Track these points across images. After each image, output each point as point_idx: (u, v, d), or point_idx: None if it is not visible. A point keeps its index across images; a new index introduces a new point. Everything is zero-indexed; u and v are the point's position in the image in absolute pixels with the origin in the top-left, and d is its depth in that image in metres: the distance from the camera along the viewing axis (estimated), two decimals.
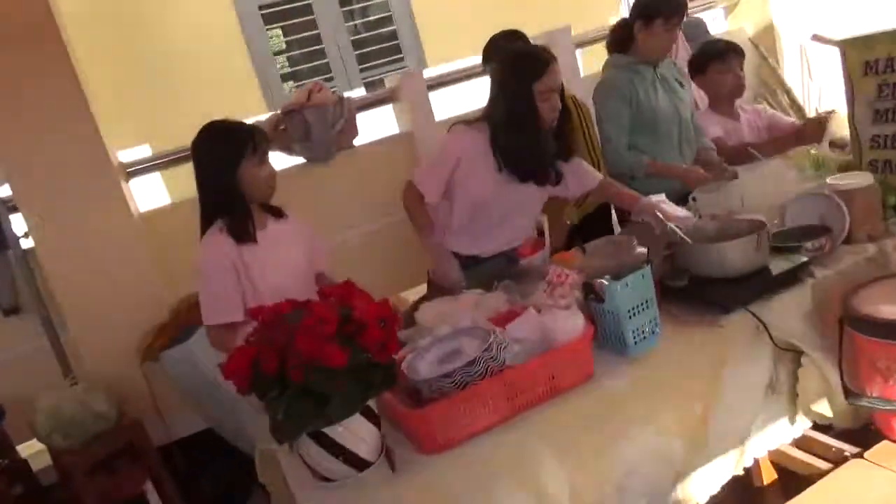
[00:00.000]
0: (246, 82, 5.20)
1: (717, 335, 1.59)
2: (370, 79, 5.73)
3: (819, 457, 1.67)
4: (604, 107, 2.54)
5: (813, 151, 2.14)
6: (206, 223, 1.94)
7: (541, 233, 2.58)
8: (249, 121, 3.12)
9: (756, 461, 1.67)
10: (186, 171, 3.10)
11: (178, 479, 2.66)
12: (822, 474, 1.62)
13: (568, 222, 2.58)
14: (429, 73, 3.49)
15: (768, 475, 1.76)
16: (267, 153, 1.94)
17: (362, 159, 3.25)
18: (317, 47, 5.53)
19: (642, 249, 1.70)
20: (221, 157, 1.90)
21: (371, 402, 1.36)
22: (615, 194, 2.25)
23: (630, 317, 1.54)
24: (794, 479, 1.72)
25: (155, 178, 3.49)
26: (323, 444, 1.32)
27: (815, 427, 1.72)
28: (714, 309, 1.65)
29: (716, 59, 2.81)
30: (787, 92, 3.88)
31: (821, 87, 4.11)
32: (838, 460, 1.62)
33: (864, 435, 1.77)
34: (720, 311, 1.63)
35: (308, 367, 1.21)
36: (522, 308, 1.67)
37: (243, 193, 1.90)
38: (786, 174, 2.10)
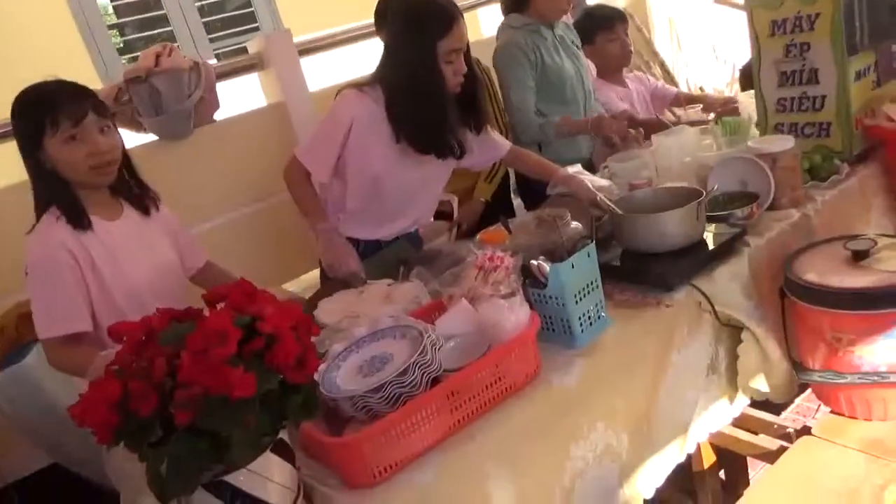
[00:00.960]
0: (74, 53, 4.49)
1: (664, 315, 1.45)
2: (221, 50, 5.19)
3: (759, 434, 1.60)
4: (508, 71, 2.35)
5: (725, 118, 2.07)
6: (39, 212, 1.53)
7: (448, 214, 2.37)
8: None
9: (697, 445, 1.57)
10: (5, 152, 2.55)
11: None
12: (766, 452, 1.55)
13: (482, 200, 2.37)
14: (298, 38, 3.11)
15: (708, 458, 1.67)
16: (80, 124, 1.48)
17: (226, 135, 2.82)
18: (156, 13, 4.91)
19: (577, 224, 1.52)
20: (21, 135, 1.52)
21: (282, 433, 1.07)
22: (532, 164, 2.04)
23: (577, 301, 1.35)
24: (733, 458, 1.64)
25: None
26: (222, 497, 1.00)
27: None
28: (655, 287, 1.50)
29: (604, 27, 2.73)
30: (661, 64, 3.92)
31: (688, 59, 4.22)
32: (782, 436, 1.55)
33: (781, 406, 1.74)
34: (662, 288, 1.49)
35: (204, 402, 0.90)
36: (450, 299, 1.43)
37: (62, 177, 1.51)
38: (701, 140, 2.01)
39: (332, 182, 1.93)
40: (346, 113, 1.83)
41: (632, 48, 2.83)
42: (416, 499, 1.11)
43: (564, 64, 2.40)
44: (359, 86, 1.87)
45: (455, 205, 2.31)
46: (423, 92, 1.76)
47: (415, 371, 1.15)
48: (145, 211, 1.67)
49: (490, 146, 2.02)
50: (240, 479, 1.00)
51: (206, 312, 1.06)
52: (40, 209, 1.54)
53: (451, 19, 1.73)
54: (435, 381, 1.20)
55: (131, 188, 1.67)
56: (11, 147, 1.60)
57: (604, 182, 1.81)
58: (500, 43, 2.41)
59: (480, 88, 1.90)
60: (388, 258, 1.93)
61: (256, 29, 5.26)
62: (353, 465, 1.10)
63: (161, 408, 0.92)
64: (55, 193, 1.52)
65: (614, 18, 2.77)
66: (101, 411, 0.90)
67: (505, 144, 2.05)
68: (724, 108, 2.43)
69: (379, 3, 2.34)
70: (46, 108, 1.46)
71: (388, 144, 1.84)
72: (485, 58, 2.49)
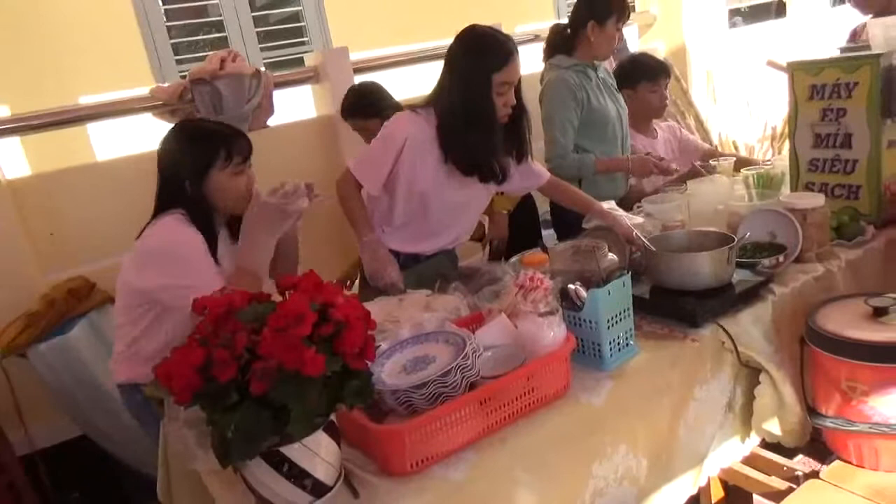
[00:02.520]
0: (131, 50, 4.68)
1: (689, 350, 1.53)
2: (270, 60, 5.38)
3: (768, 474, 1.66)
4: (554, 108, 2.46)
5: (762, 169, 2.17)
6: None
7: (480, 234, 2.47)
8: (143, 91, 2.78)
9: (707, 479, 1.64)
10: (53, 137, 2.70)
11: (42, 495, 2.27)
12: (775, 492, 1.62)
13: (504, 212, 2.47)
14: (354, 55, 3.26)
15: (716, 493, 1.74)
16: (247, 161, 1.75)
17: (278, 141, 2.96)
18: (213, 18, 5.10)
19: (613, 256, 1.62)
20: (188, 162, 1.69)
21: (332, 415, 1.16)
22: (570, 195, 2.15)
23: (609, 327, 1.44)
24: (742, 496, 1.70)
25: (13, 142, 3.00)
26: (275, 465, 1.10)
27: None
28: (683, 322, 1.59)
29: (648, 77, 2.81)
30: (696, 115, 4.03)
31: (722, 112, 4.33)
32: (790, 479, 1.62)
33: (792, 452, 1.80)
34: (689, 324, 1.58)
35: (277, 376, 0.99)
36: (489, 312, 1.52)
37: (211, 201, 1.71)
38: (734, 189, 2.11)
39: (381, 196, 2.04)
40: (400, 131, 1.95)
41: (668, 102, 2.93)
42: (448, 492, 1.19)
43: (608, 105, 2.52)
44: (413, 107, 2.00)
45: (486, 224, 2.41)
46: (475, 118, 1.88)
47: (456, 373, 1.25)
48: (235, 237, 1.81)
49: (530, 174, 2.14)
50: (293, 450, 1.09)
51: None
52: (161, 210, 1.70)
53: (508, 55, 1.86)
54: (472, 387, 1.29)
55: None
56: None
57: (638, 219, 1.91)
58: (549, 80, 2.53)
59: (526, 120, 2.02)
60: (426, 272, 2.03)
61: (305, 42, 5.46)
62: (394, 453, 1.19)
63: (237, 377, 1.02)
64: (199, 215, 1.69)
65: (660, 71, 2.85)
66: (185, 373, 1.00)
67: (545, 174, 2.16)
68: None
69: None
70: (221, 142, 1.67)
71: (437, 164, 1.95)
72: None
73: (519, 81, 1.93)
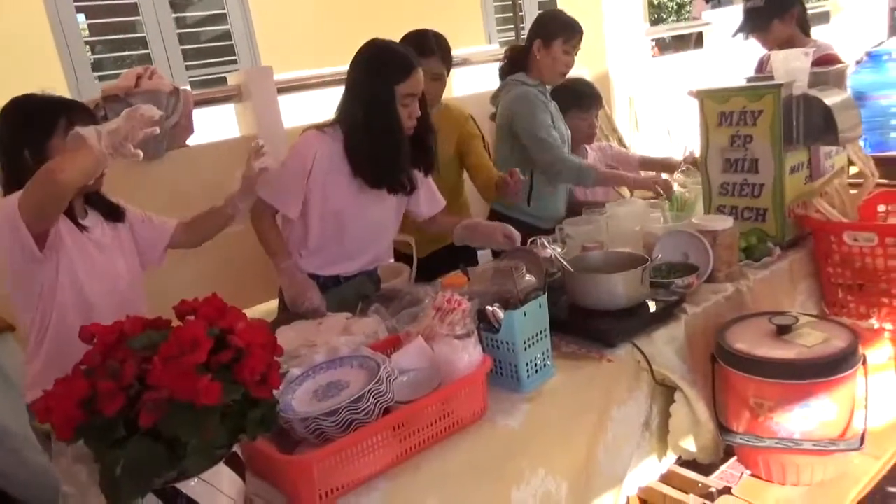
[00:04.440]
0: (45, 64, 4.49)
1: (605, 370, 1.55)
2: (197, 78, 5.26)
3: (685, 491, 1.69)
4: (533, 114, 2.45)
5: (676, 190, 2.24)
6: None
7: (408, 256, 2.45)
8: None
9: (626, 499, 1.65)
10: None
11: None
12: None
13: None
14: (278, 75, 3.20)
15: None
16: None
17: (198, 161, 2.86)
18: (135, 35, 4.97)
19: (531, 277, 1.62)
20: (28, 133, 1.57)
21: (235, 447, 1.10)
22: (452, 222, 2.13)
23: (525, 348, 1.44)
24: None
25: None
26: (169, 501, 1.03)
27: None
28: (599, 342, 1.60)
29: (579, 105, 2.85)
30: (619, 139, 4.16)
31: (644, 138, 4.48)
32: (705, 495, 1.65)
33: (708, 468, 1.84)
34: (605, 344, 1.59)
35: (169, 406, 0.94)
36: (407, 335, 1.50)
37: None
38: (650, 212, 2.16)
39: (296, 220, 2.00)
40: (307, 151, 1.93)
41: (597, 130, 3.00)
42: None
43: (563, 126, 2.56)
44: (320, 126, 1.98)
45: (414, 246, 2.39)
46: (380, 130, 1.88)
47: (369, 399, 1.21)
48: (114, 215, 1.74)
49: (432, 196, 2.16)
50: (191, 486, 1.03)
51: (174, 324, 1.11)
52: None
53: (409, 67, 1.88)
54: (386, 412, 1.26)
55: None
56: None
57: (549, 252, 1.88)
58: (518, 92, 2.52)
59: (431, 133, 2.04)
60: (347, 293, 2.00)
61: (234, 62, 5.37)
62: (302, 485, 1.14)
63: (125, 410, 0.96)
64: None
65: (592, 100, 2.90)
66: (65, 407, 0.93)
67: (442, 202, 2.20)
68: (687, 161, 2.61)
69: None
70: (61, 112, 1.57)
71: (348, 180, 1.94)
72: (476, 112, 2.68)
73: (423, 97, 1.95)
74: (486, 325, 1.46)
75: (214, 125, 3.20)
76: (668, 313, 1.71)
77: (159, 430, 0.97)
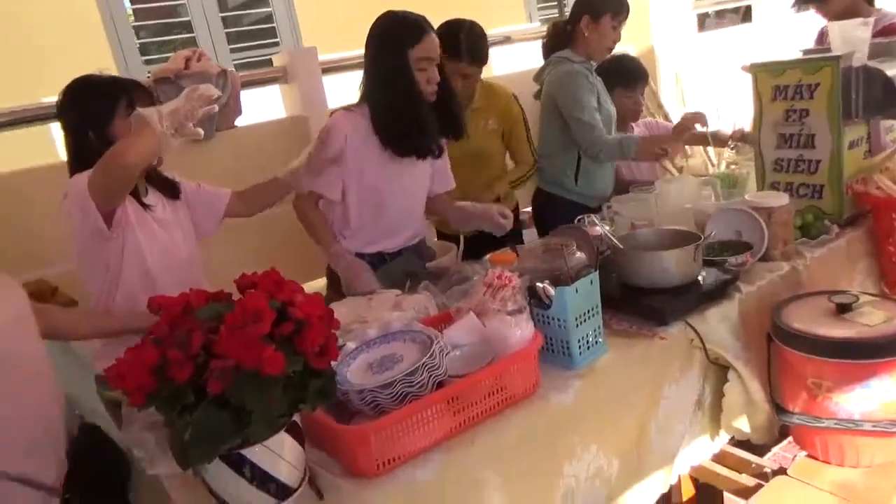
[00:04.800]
0: (96, 51, 4.60)
1: (657, 348, 1.53)
2: (241, 61, 5.32)
3: (738, 471, 1.67)
4: (576, 93, 2.42)
5: (724, 169, 2.19)
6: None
7: (454, 235, 2.45)
8: None
9: (678, 477, 1.64)
10: (11, 138, 2.64)
11: None
12: (744, 489, 1.63)
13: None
14: (322, 56, 3.22)
15: (687, 491, 1.74)
16: None
17: (246, 142, 2.91)
18: (179, 20, 5.04)
19: (582, 255, 1.61)
20: (91, 115, 1.62)
21: (295, 416, 1.13)
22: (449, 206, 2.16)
23: (577, 325, 1.43)
24: (712, 494, 1.71)
25: None
26: (236, 468, 1.06)
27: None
28: (651, 320, 1.59)
29: (624, 84, 2.80)
30: (665, 116, 4.07)
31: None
32: (759, 475, 1.62)
33: (762, 449, 1.81)
34: (658, 322, 1.58)
35: (235, 375, 0.96)
36: (457, 311, 1.51)
37: None
38: (701, 189, 2.12)
39: (335, 203, 2.03)
40: (339, 131, 1.95)
41: (642, 107, 2.95)
42: (415, 494, 1.17)
43: (609, 106, 2.53)
44: (346, 107, 2.01)
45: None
46: (400, 97, 1.90)
47: (423, 373, 1.23)
48: (172, 192, 1.79)
49: (445, 175, 2.20)
50: (255, 452, 1.06)
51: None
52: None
53: (421, 31, 1.89)
54: (439, 386, 1.27)
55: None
56: None
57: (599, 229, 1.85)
58: (563, 70, 2.48)
59: (454, 98, 2.04)
60: (395, 271, 2.01)
61: (276, 44, 5.41)
62: (360, 454, 1.17)
63: (194, 378, 0.99)
64: None
65: (637, 77, 2.84)
66: (138, 374, 0.96)
67: (452, 182, 2.22)
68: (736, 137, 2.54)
69: None
70: (122, 91, 1.62)
71: (379, 154, 1.97)
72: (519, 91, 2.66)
73: (443, 65, 1.96)
74: (536, 302, 1.46)
75: (260, 106, 3.24)
76: (721, 292, 1.68)
77: (226, 398, 1.00)
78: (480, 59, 2.41)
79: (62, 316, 1.57)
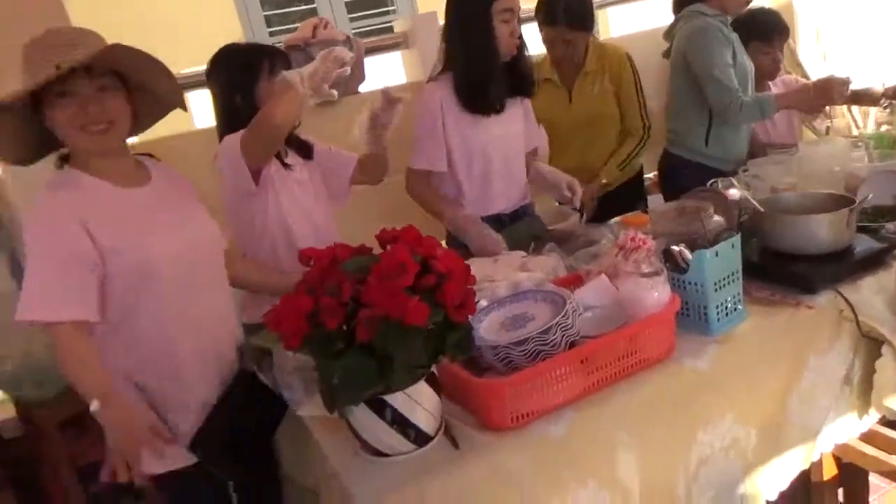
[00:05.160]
0: (227, 23, 4.85)
1: (802, 317, 1.44)
2: (360, 29, 5.43)
3: (887, 452, 1.56)
4: (711, 49, 2.28)
5: (872, 130, 2.00)
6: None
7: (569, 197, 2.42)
8: None
9: (820, 455, 1.55)
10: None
11: None
12: (892, 471, 1.52)
13: (603, 181, 2.40)
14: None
15: (829, 470, 1.65)
16: None
17: (369, 107, 2.97)
18: None
19: (719, 218, 1.54)
20: (237, 79, 1.71)
21: (433, 367, 1.17)
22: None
23: (716, 290, 1.38)
24: (856, 474, 1.61)
25: None
26: (378, 413, 1.12)
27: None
28: (796, 288, 1.50)
29: (762, 38, 2.60)
30: (803, 75, 3.77)
31: (832, 74, 4.03)
32: None
33: None
34: (804, 290, 1.48)
35: (381, 324, 1.01)
36: (587, 273, 1.49)
37: None
38: (852, 151, 1.96)
39: (442, 178, 2.05)
40: (434, 102, 1.97)
41: (781, 64, 2.73)
42: (548, 447, 1.19)
43: (746, 62, 2.38)
44: (432, 78, 2.03)
45: (576, 185, 2.36)
46: (479, 48, 1.88)
47: (556, 332, 1.23)
48: (306, 153, 1.88)
49: (533, 129, 2.17)
50: (396, 399, 1.11)
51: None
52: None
53: None
54: (571, 346, 1.26)
55: None
56: None
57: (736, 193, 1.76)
58: (696, 25, 2.35)
59: (525, 56, 2.01)
60: (519, 233, 2.02)
61: (393, 11, 5.48)
62: (494, 407, 1.19)
63: (343, 325, 1.04)
64: None
65: (775, 31, 2.62)
66: (294, 320, 1.03)
67: (542, 138, 2.21)
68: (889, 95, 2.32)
69: None
70: (264, 56, 1.70)
71: (472, 117, 1.97)
72: (634, 52, 2.54)
73: (519, 20, 1.92)
74: (671, 266, 1.42)
75: (382, 72, 3.30)
76: (877, 260, 1.55)
77: (372, 346, 1.04)
78: (582, 24, 2.33)
79: (246, 265, 1.68)
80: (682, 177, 2.35)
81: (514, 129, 2.08)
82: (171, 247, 1.35)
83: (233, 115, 1.67)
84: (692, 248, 1.41)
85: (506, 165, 2.09)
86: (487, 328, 1.34)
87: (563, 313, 1.24)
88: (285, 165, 1.74)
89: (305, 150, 1.88)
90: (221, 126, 1.73)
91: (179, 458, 1.35)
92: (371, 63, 3.15)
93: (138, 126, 1.44)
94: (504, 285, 1.47)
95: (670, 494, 1.31)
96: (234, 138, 1.57)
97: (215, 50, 1.81)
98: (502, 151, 2.06)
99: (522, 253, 1.78)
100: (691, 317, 1.41)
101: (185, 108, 1.46)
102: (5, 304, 2.43)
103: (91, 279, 1.26)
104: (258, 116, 1.48)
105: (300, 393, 1.31)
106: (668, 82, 2.55)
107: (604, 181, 2.39)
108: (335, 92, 1.51)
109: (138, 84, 1.36)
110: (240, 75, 1.71)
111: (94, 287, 1.27)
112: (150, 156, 1.51)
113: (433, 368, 1.16)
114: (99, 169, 1.34)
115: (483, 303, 1.38)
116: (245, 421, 1.40)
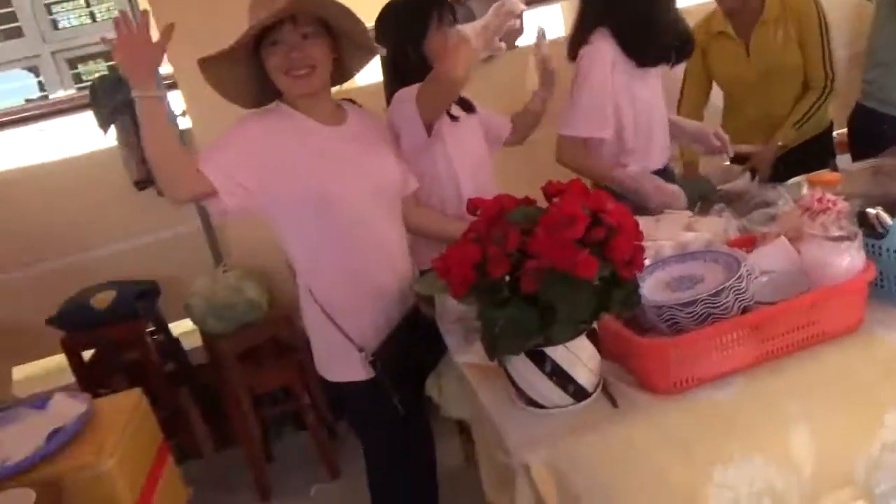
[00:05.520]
0: None
1: None
2: None
3: None
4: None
5: None
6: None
7: (743, 158, 2.25)
8: None
9: None
10: None
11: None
12: None
13: (779, 143, 2.21)
14: None
15: None
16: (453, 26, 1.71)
17: (528, 61, 2.93)
18: None
19: None
20: (408, 31, 1.73)
21: (594, 324, 1.15)
22: None
23: None
24: None
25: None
26: (538, 364, 1.13)
27: None
28: None
29: None
30: None
31: None
32: None
33: None
34: None
35: (547, 276, 1.00)
36: (763, 236, 1.38)
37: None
38: None
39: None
40: (605, 61, 1.85)
41: None
42: (712, 414, 1.14)
43: None
44: (587, 40, 1.89)
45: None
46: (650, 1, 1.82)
47: (729, 295, 1.16)
48: (467, 107, 1.88)
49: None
50: (557, 352, 1.11)
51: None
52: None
53: None
54: (743, 311, 1.19)
55: None
56: None
57: None
58: None
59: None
60: (686, 192, 1.91)
61: None
62: (656, 369, 1.16)
63: (508, 275, 1.05)
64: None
65: None
66: (461, 268, 1.05)
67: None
68: None
69: None
70: (432, 6, 1.71)
71: (634, 70, 1.88)
72: None
73: None
74: (867, 231, 1.28)
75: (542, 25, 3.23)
76: None
77: (536, 298, 1.05)
78: None
79: (426, 211, 1.77)
80: (879, 135, 2.10)
81: (658, 84, 2.00)
82: (355, 183, 1.49)
83: (403, 67, 1.71)
84: (891, 213, 1.26)
85: (663, 117, 2.02)
86: (650, 288, 1.29)
87: (737, 276, 1.17)
88: (452, 118, 1.76)
89: (468, 105, 1.89)
90: (390, 80, 1.78)
91: (360, 372, 1.54)
92: (529, 15, 3.09)
93: (345, 71, 1.56)
94: (669, 245, 1.41)
95: (846, 479, 1.20)
96: (408, 92, 1.61)
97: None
98: (659, 105, 1.99)
99: (689, 212, 1.69)
100: (886, 287, 1.27)
101: (375, 53, 1.55)
102: (194, 245, 2.73)
103: (239, 190, 1.40)
104: (436, 72, 1.51)
105: (460, 340, 1.35)
106: (872, 23, 2.26)
107: (780, 143, 2.19)
108: (503, 45, 1.50)
109: (340, 32, 1.47)
110: (410, 27, 1.74)
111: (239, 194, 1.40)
112: (351, 101, 1.64)
113: (594, 325, 1.15)
114: (303, 107, 1.50)
115: (646, 261, 1.33)
116: (414, 350, 1.54)
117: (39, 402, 1.79)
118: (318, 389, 2.51)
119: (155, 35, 1.29)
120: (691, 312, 1.16)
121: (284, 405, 2.49)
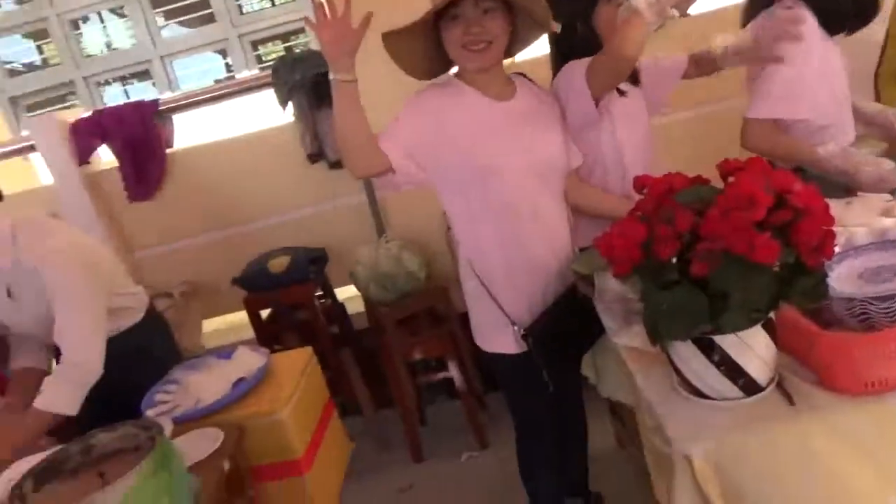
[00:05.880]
0: None
1: None
2: None
3: None
4: None
5: None
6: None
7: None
8: None
9: None
10: None
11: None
12: None
13: None
14: None
15: None
16: None
17: (695, 30, 2.73)
18: None
19: None
20: (576, 7, 1.67)
21: (772, 313, 1.07)
22: None
23: None
24: None
25: None
26: (705, 352, 1.07)
27: None
28: None
29: None
30: None
31: None
32: None
33: None
34: None
35: (721, 259, 0.94)
36: None
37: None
38: None
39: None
40: (813, 34, 1.67)
41: None
42: None
43: None
44: (786, 5, 1.71)
45: None
46: None
47: None
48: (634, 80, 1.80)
49: None
50: (727, 341, 1.04)
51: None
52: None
53: None
54: None
55: None
56: None
57: None
58: None
59: None
60: None
61: None
62: (839, 367, 1.05)
63: (677, 256, 1.00)
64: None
65: None
66: (626, 246, 1.02)
67: None
68: None
69: None
70: None
71: (824, 41, 1.74)
72: None
73: None
74: None
75: None
76: None
77: (707, 282, 0.99)
78: None
79: (589, 188, 1.74)
80: None
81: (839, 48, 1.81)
82: (519, 158, 1.52)
83: (572, 42, 1.67)
84: None
85: (847, 87, 1.83)
86: (839, 278, 1.17)
87: None
88: (620, 92, 1.70)
89: (634, 77, 1.81)
90: (558, 53, 1.74)
91: (513, 346, 1.59)
92: None
93: (516, 44, 1.58)
94: (863, 232, 1.27)
95: None
96: (578, 66, 1.57)
97: None
98: (845, 74, 1.81)
99: (887, 196, 1.51)
100: None
101: (550, 29, 1.54)
102: (360, 216, 2.88)
103: (412, 167, 1.48)
104: (610, 48, 1.47)
105: (619, 321, 1.31)
106: None
107: None
108: (676, 12, 1.43)
109: (519, 7, 1.48)
110: (579, 0, 1.69)
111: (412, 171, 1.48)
112: (522, 74, 1.67)
113: (771, 314, 1.07)
114: (475, 81, 1.54)
115: (836, 249, 1.21)
116: (569, 328, 1.56)
117: (226, 353, 1.99)
118: (471, 361, 2.58)
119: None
120: (887, 308, 1.04)
121: (437, 373, 2.57)
